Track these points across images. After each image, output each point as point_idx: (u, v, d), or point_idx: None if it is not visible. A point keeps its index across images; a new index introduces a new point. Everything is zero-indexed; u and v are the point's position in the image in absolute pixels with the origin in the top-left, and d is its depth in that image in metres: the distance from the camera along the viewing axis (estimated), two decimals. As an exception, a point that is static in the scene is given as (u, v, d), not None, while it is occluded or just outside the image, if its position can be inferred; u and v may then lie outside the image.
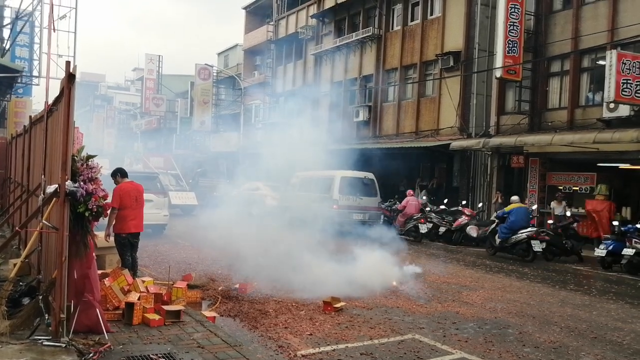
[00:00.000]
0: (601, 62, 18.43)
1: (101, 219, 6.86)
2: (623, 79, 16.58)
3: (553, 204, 19.48)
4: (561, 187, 20.62)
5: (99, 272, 7.67)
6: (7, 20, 27.80)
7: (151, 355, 6.10)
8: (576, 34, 20.14)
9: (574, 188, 20.48)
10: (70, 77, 6.17)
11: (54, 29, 16.88)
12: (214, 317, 8.13)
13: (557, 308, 10.26)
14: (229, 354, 6.31)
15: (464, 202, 22.17)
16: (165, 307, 7.73)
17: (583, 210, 19.58)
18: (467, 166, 24.73)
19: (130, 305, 7.37)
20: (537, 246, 16.31)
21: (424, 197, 23.98)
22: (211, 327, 7.42)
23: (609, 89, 16.71)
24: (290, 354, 6.93)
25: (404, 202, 21.60)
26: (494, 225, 17.89)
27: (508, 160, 22.73)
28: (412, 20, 28.28)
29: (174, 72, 66.31)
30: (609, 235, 15.47)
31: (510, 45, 20.79)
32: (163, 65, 59.45)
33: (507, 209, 17.47)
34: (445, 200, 22.09)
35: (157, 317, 7.41)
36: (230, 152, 40.66)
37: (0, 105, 27.24)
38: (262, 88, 40.71)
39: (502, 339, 8.00)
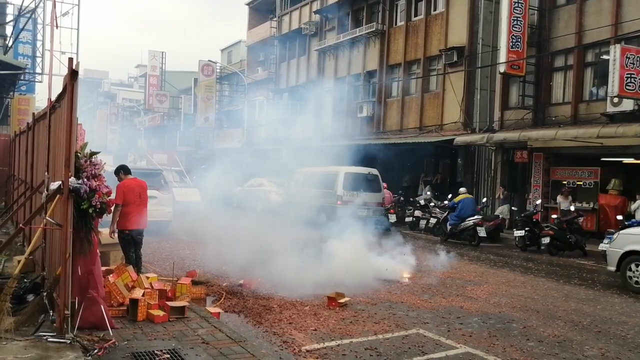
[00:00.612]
0: (605, 57, 18.37)
1: (105, 215, 6.87)
2: (627, 74, 16.55)
3: (559, 198, 19.46)
4: (565, 182, 20.59)
5: (103, 268, 7.69)
6: (9, 17, 27.84)
7: (156, 351, 6.11)
8: (580, 28, 20.08)
9: (578, 183, 20.44)
10: (73, 74, 6.17)
11: (57, 26, 16.88)
12: (219, 313, 8.14)
13: (561, 302, 10.25)
14: (234, 350, 6.32)
15: (468, 197, 22.14)
16: (170, 303, 7.74)
17: (587, 205, 19.57)
18: (471, 161, 24.69)
19: (134, 302, 7.38)
20: (482, 232, 18.35)
21: (428, 192, 23.98)
22: (215, 323, 7.42)
23: (613, 84, 16.68)
24: (294, 349, 6.94)
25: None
26: (445, 214, 19.84)
27: (512, 155, 22.70)
28: (416, 15, 28.21)
29: (178, 69, 66.28)
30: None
31: (514, 40, 20.74)
32: (166, 61, 59.53)
33: (456, 199, 19.40)
34: (450, 196, 22.06)
35: (161, 313, 7.42)
36: (234, 148, 40.69)
37: (4, 103, 27.28)
38: (265, 84, 40.70)
39: (506, 334, 7.99)
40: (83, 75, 67.55)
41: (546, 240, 16.72)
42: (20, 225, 7.94)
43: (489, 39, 23.91)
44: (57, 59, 22.81)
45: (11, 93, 26.32)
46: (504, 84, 22.93)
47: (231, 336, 6.81)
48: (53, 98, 7.62)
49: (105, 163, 6.99)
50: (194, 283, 9.65)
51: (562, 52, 21.15)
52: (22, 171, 13.00)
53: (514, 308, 9.62)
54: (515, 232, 18.07)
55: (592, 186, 19.89)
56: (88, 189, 6.34)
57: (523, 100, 22.18)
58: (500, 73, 21.62)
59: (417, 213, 22.20)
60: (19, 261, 7.67)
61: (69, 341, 5.98)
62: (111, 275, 7.94)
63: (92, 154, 6.69)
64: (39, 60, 28.44)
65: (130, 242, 9.95)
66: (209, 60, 47.65)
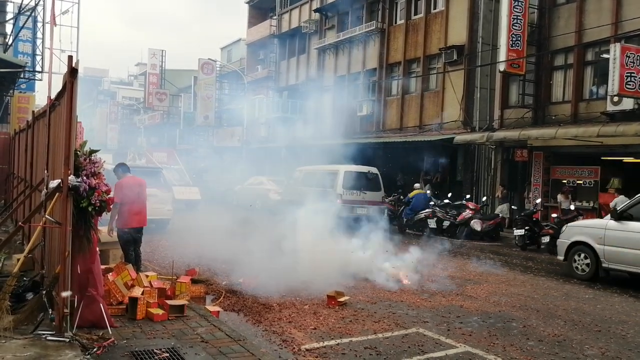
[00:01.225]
0: (605, 56, 18.35)
1: (104, 213, 6.86)
2: (627, 72, 16.55)
3: (560, 197, 19.45)
4: (565, 181, 20.59)
5: (103, 267, 7.67)
6: (9, 16, 27.80)
7: (155, 350, 6.10)
8: (580, 27, 20.07)
9: (578, 182, 20.44)
10: (72, 72, 6.16)
11: (56, 24, 16.86)
12: (218, 311, 8.13)
13: (561, 301, 10.25)
14: (233, 349, 6.31)
15: (467, 196, 22.19)
16: (169, 302, 7.73)
17: (587, 204, 19.57)
18: (471, 160, 24.69)
19: (133, 300, 7.37)
20: (432, 224, 20.57)
21: (428, 191, 23.97)
22: (215, 321, 7.41)
23: (613, 82, 16.67)
24: (294, 348, 6.93)
25: None
26: (402, 209, 21.88)
27: (512, 154, 22.70)
28: (416, 14, 28.20)
29: (178, 67, 66.28)
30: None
31: (514, 39, 20.73)
32: (166, 60, 59.44)
33: (410, 195, 21.54)
34: (449, 194, 22.10)
35: (160, 311, 7.41)
36: (233, 146, 40.69)
37: (3, 101, 27.25)
38: (265, 82, 40.69)
39: (506, 333, 7.99)
40: (83, 73, 67.55)
41: (546, 239, 16.71)
42: (20, 223, 7.93)
43: (489, 37, 23.92)
44: (57, 57, 22.78)
45: (11, 91, 26.28)
46: (503, 83, 22.93)
47: (230, 335, 6.80)
48: (53, 96, 7.60)
49: (104, 161, 6.98)
50: (194, 281, 9.64)
51: (562, 51, 21.14)
52: (22, 169, 12.99)
53: (514, 307, 9.61)
54: (515, 231, 18.08)
55: (592, 185, 19.89)
56: (87, 187, 6.33)
57: (523, 99, 22.18)
58: (500, 72, 21.62)
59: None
60: (18, 259, 7.67)
61: (68, 340, 5.97)
62: (110, 273, 7.93)
63: (92, 152, 6.68)
64: (39, 58, 28.37)
65: (130, 241, 9.94)
66: (209, 59, 47.63)
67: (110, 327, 6.56)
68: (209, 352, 6.16)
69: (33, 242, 7.45)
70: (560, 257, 13.35)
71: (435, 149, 25.39)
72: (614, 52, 16.64)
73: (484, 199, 22.38)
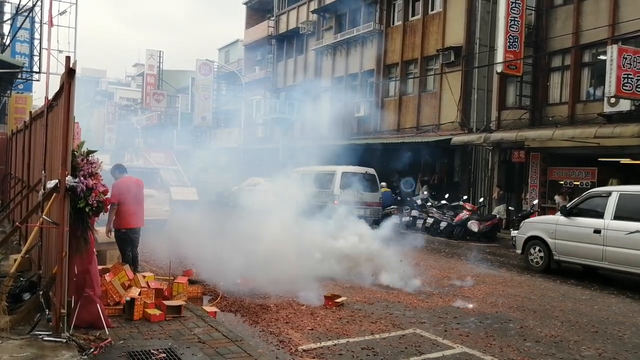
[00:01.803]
0: (602, 57, 18.40)
1: (102, 214, 6.85)
2: (624, 74, 16.58)
3: (558, 198, 19.47)
4: (562, 182, 20.63)
5: (100, 267, 7.66)
6: (7, 16, 27.75)
7: (152, 351, 6.09)
8: (577, 28, 20.11)
9: (575, 183, 20.46)
10: (70, 72, 6.15)
11: (53, 24, 16.85)
12: (215, 312, 8.12)
13: (558, 302, 10.26)
14: (230, 349, 6.31)
15: (465, 197, 22.21)
16: (166, 303, 7.73)
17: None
18: (468, 161, 24.72)
19: (131, 301, 7.36)
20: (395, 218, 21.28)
21: (425, 192, 24.01)
22: (212, 322, 7.41)
23: (610, 84, 16.71)
24: (291, 349, 6.93)
25: None
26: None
27: (509, 155, 22.73)
28: (413, 15, 28.24)
29: (175, 68, 66.24)
30: None
31: (511, 40, 20.76)
32: (164, 60, 59.41)
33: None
34: (447, 195, 22.13)
35: (158, 312, 7.41)
36: (231, 147, 40.64)
37: (1, 101, 27.22)
38: (263, 83, 40.69)
39: (503, 334, 7.99)
40: (80, 73, 67.37)
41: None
42: (17, 223, 7.92)
43: (486, 38, 23.97)
44: (54, 57, 22.78)
45: (8, 91, 26.22)
46: (501, 84, 22.97)
47: (228, 335, 6.80)
48: (50, 97, 7.60)
49: (102, 162, 6.97)
50: (191, 282, 9.64)
51: (559, 52, 21.18)
52: (19, 170, 12.97)
53: (511, 308, 9.62)
54: (512, 232, 18.05)
55: (589, 186, 19.83)
56: (85, 187, 6.33)
57: (520, 100, 22.21)
58: (498, 73, 21.66)
59: (414, 213, 22.22)
60: (15, 260, 7.65)
61: (65, 340, 5.96)
62: (108, 274, 7.92)
63: (89, 152, 6.67)
64: (36, 58, 28.30)
65: (127, 241, 9.92)
66: (207, 60, 47.63)
67: (107, 327, 6.55)
68: (206, 353, 6.15)
69: (30, 242, 7.44)
70: (518, 251, 14.55)
71: (432, 150, 25.43)
72: (611, 53, 16.68)
73: (481, 200, 22.41)
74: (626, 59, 16.64)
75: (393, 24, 29.52)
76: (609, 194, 12.31)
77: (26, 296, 7.02)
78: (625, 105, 17.76)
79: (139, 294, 7.54)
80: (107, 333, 6.43)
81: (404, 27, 28.44)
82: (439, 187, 25.69)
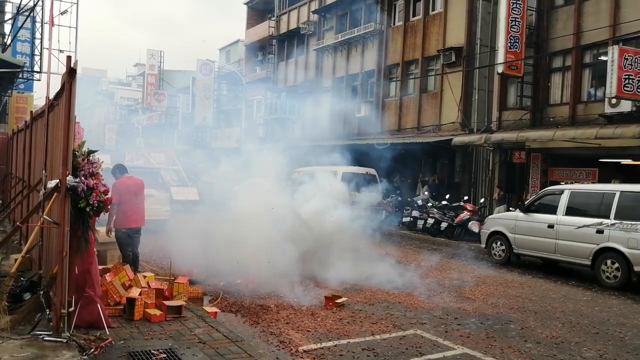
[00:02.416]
0: (603, 58, 18.38)
1: (102, 214, 6.84)
2: (625, 75, 16.56)
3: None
4: (563, 183, 20.59)
5: (100, 267, 7.66)
6: (8, 16, 27.76)
7: (152, 351, 6.09)
8: (578, 29, 20.08)
9: (576, 183, 20.43)
10: (71, 72, 6.15)
11: (54, 24, 16.85)
12: (216, 312, 8.12)
13: (559, 303, 10.25)
14: (231, 350, 6.30)
15: (465, 198, 22.17)
16: (167, 303, 7.72)
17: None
18: (469, 162, 24.69)
19: (131, 301, 7.36)
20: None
21: (426, 193, 23.99)
22: (212, 322, 7.41)
23: (611, 85, 16.68)
24: (291, 349, 6.92)
25: None
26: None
27: (510, 156, 22.70)
28: (414, 15, 28.21)
29: (176, 68, 66.17)
30: None
31: (512, 41, 20.73)
32: (165, 60, 59.42)
33: None
34: (447, 196, 22.10)
35: (158, 312, 7.40)
36: (231, 147, 40.62)
37: (2, 101, 27.21)
38: (263, 83, 40.65)
39: (504, 335, 7.99)
40: (81, 73, 67.18)
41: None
42: (18, 223, 7.92)
43: (487, 39, 23.93)
44: (55, 57, 22.76)
45: (9, 91, 26.24)
46: (502, 85, 22.93)
47: (228, 336, 6.80)
48: (51, 96, 7.59)
49: (102, 162, 6.96)
50: (191, 282, 9.64)
51: (560, 53, 21.15)
52: (20, 169, 12.97)
53: (512, 309, 9.61)
54: None
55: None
56: (85, 187, 6.32)
57: (521, 100, 22.18)
58: (498, 73, 21.61)
59: (415, 213, 22.21)
60: (15, 259, 7.65)
61: (65, 340, 5.95)
62: (108, 274, 7.92)
63: (90, 152, 6.67)
64: (37, 58, 28.32)
65: (128, 241, 9.92)
66: (207, 60, 47.60)
67: (107, 327, 6.55)
68: (206, 353, 6.15)
69: (31, 242, 7.44)
70: (483, 245, 15.68)
71: (433, 150, 25.39)
72: (612, 54, 16.65)
73: (482, 200, 22.38)
74: (627, 59, 16.62)
75: (394, 24, 29.49)
76: (562, 191, 13.65)
77: (27, 296, 7.02)
78: (626, 106, 17.74)
79: (140, 294, 7.54)
80: (108, 333, 6.43)
81: (404, 28, 28.41)
82: (439, 187, 25.67)
